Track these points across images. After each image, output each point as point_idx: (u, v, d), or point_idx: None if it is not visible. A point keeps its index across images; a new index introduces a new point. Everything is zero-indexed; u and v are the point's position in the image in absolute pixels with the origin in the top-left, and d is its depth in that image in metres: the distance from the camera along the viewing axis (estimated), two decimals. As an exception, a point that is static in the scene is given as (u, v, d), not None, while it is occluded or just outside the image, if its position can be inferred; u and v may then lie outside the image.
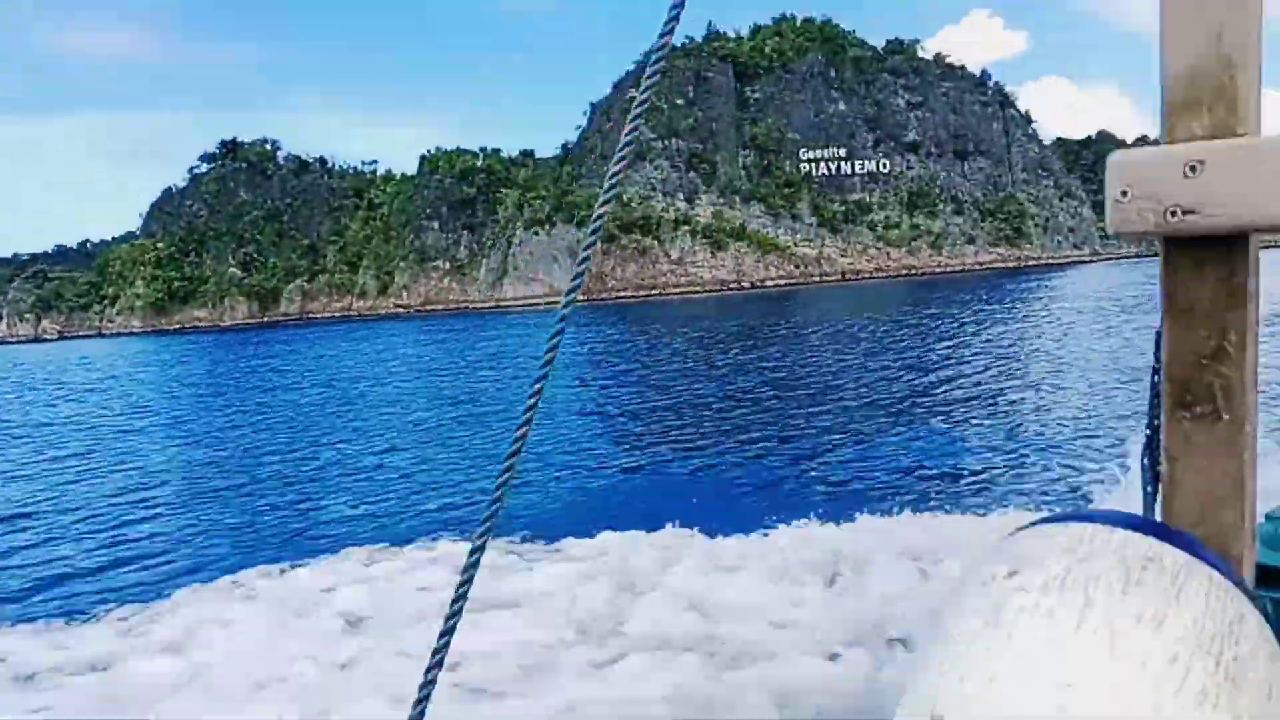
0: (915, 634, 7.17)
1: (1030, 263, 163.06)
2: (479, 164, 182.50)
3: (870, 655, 7.28)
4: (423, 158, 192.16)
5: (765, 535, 11.17)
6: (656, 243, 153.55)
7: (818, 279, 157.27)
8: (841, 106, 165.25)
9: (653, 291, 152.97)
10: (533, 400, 1.51)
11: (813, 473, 16.08)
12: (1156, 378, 1.29)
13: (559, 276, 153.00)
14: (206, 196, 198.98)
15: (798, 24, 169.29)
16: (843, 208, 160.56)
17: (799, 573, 9.34)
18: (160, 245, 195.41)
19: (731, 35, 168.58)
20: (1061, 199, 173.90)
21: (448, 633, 1.44)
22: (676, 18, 1.52)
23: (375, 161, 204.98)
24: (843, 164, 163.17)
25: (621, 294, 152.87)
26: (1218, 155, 1.13)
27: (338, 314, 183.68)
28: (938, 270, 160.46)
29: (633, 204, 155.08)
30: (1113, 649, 0.82)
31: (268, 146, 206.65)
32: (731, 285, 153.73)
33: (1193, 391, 1.22)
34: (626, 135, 1.57)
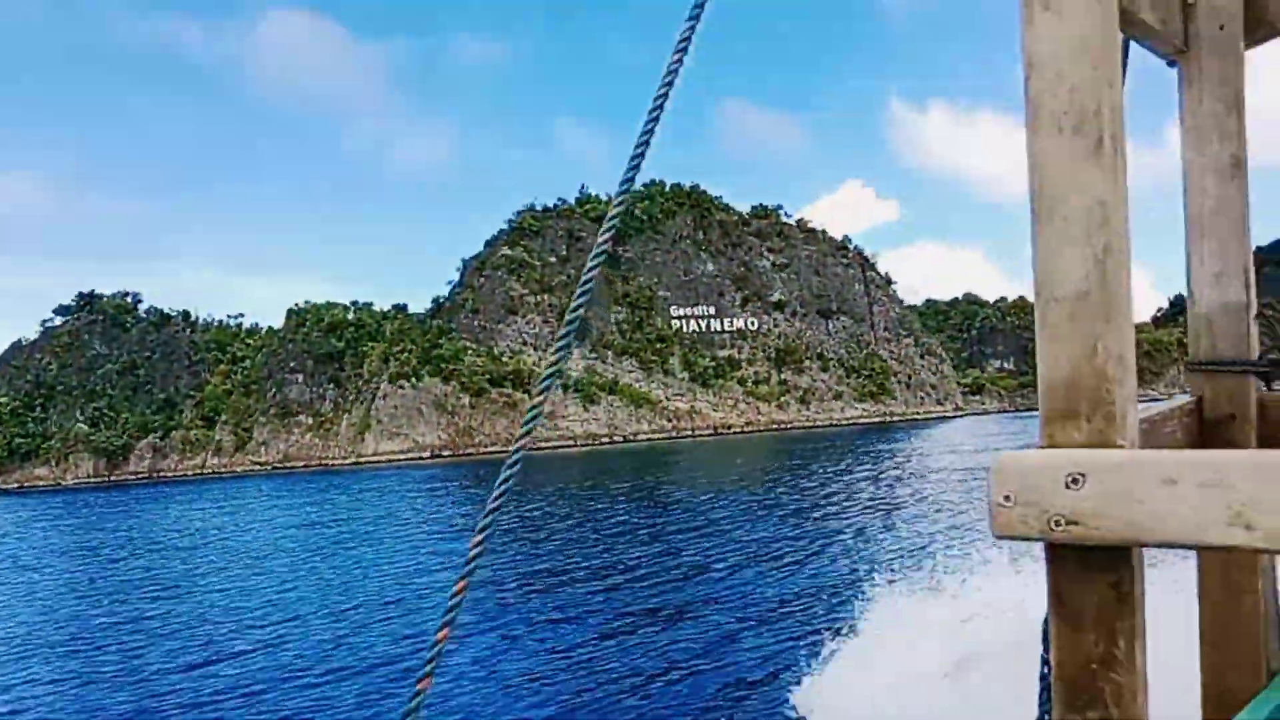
0: None
1: (895, 418, 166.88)
2: (349, 317, 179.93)
3: None
4: (290, 311, 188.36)
5: None
6: (527, 396, 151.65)
7: (690, 433, 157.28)
8: (710, 266, 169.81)
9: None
10: (476, 550, 1.47)
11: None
12: (1045, 671, 1.25)
13: (424, 430, 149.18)
14: (58, 349, 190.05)
15: (667, 189, 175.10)
16: (713, 363, 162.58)
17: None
18: (2, 400, 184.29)
19: (603, 198, 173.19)
20: (923, 356, 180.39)
21: None
22: (638, 167, 1.54)
23: (241, 315, 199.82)
24: (712, 320, 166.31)
25: (490, 449, 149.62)
26: (1099, 468, 1.13)
27: (190, 472, 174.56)
28: (807, 424, 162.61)
29: (504, 358, 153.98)
30: None
31: (128, 299, 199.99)
32: (603, 439, 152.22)
33: (1084, 695, 1.19)
34: (584, 283, 1.58)
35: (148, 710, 13.52)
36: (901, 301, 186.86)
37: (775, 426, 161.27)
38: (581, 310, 1.66)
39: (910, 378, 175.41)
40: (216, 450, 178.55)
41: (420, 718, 1.43)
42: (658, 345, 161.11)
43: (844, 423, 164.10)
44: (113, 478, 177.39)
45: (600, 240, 1.64)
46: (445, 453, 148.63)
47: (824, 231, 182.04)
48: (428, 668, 1.42)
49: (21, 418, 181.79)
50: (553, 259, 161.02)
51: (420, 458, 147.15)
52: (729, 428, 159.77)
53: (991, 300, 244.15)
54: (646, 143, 1.63)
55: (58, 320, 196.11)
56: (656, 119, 1.61)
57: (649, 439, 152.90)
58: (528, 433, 1.61)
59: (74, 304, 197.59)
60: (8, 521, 71.13)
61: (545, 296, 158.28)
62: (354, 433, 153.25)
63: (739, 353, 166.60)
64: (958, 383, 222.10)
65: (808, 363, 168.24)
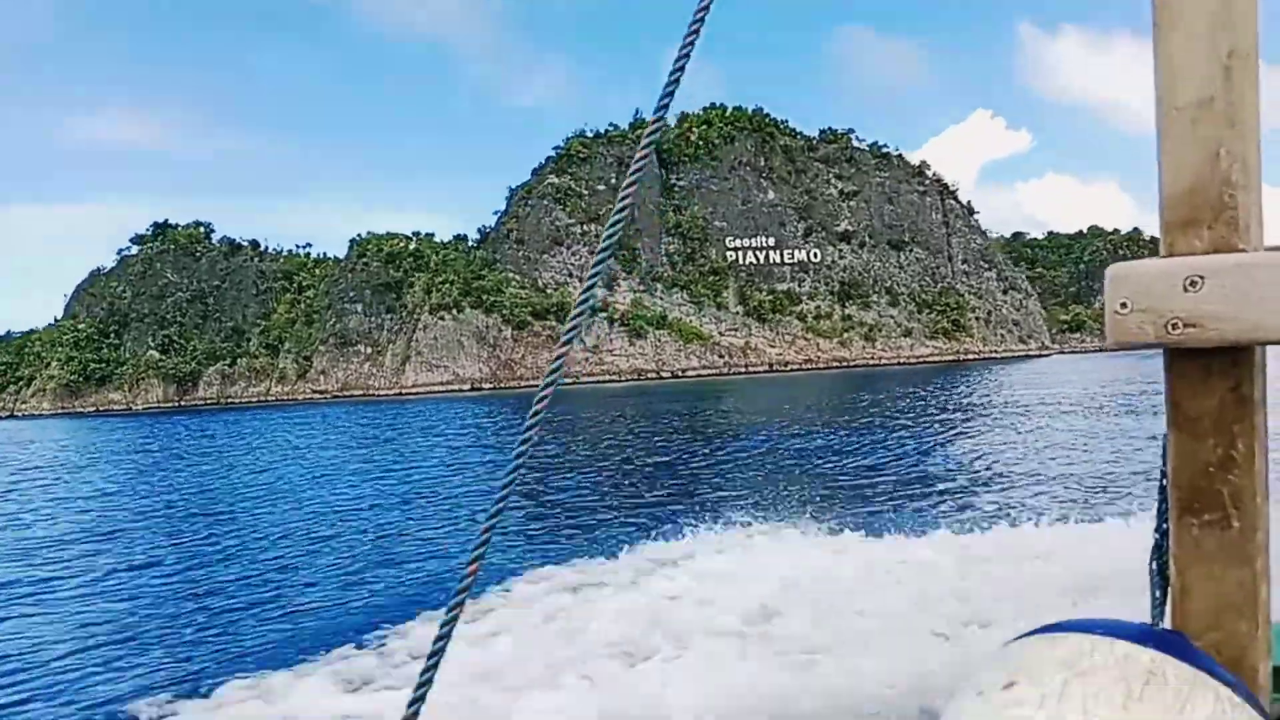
0: None
1: (970, 357, 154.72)
2: (409, 247, 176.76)
3: None
4: (352, 241, 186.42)
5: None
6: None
7: (743, 369, 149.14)
8: (771, 195, 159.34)
9: (567, 380, 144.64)
10: (511, 476, 1.45)
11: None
12: (1164, 483, 1.26)
13: (465, 363, 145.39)
14: (132, 278, 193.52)
15: (727, 112, 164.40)
16: (770, 297, 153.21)
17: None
18: (81, 327, 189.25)
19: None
20: (1006, 292, 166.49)
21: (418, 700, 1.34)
22: (672, 93, 1.48)
23: (309, 245, 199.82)
24: (771, 253, 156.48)
25: (532, 383, 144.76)
26: (1218, 270, 1.12)
27: (255, 399, 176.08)
28: (871, 363, 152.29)
29: (548, 290, 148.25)
30: None
31: (200, 229, 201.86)
32: (650, 375, 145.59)
33: (1201, 500, 1.20)
34: (618, 208, 1.49)
35: (214, 611, 13.98)
36: (985, 233, 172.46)
37: (837, 364, 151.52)
38: (616, 237, 1.59)
39: (990, 314, 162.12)
40: (280, 378, 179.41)
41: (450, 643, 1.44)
42: (711, 278, 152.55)
43: (913, 361, 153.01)
44: (182, 403, 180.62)
45: (635, 162, 1.53)
46: (486, 385, 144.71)
47: (900, 156, 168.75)
48: (458, 598, 1.43)
49: (97, 344, 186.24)
50: (601, 187, 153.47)
51: (461, 390, 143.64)
52: (786, 365, 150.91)
53: (1123, 232, 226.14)
54: (686, 55, 1.55)
55: (134, 249, 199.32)
56: (697, 30, 1.53)
57: (699, 375, 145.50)
58: (558, 368, 1.56)
59: (149, 233, 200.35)
60: (85, 442, 70.89)
61: (592, 226, 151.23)
62: (397, 363, 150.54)
63: (799, 286, 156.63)
64: (1058, 320, 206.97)
65: (875, 297, 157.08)
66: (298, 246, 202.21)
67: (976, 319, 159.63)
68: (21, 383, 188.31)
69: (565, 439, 39.90)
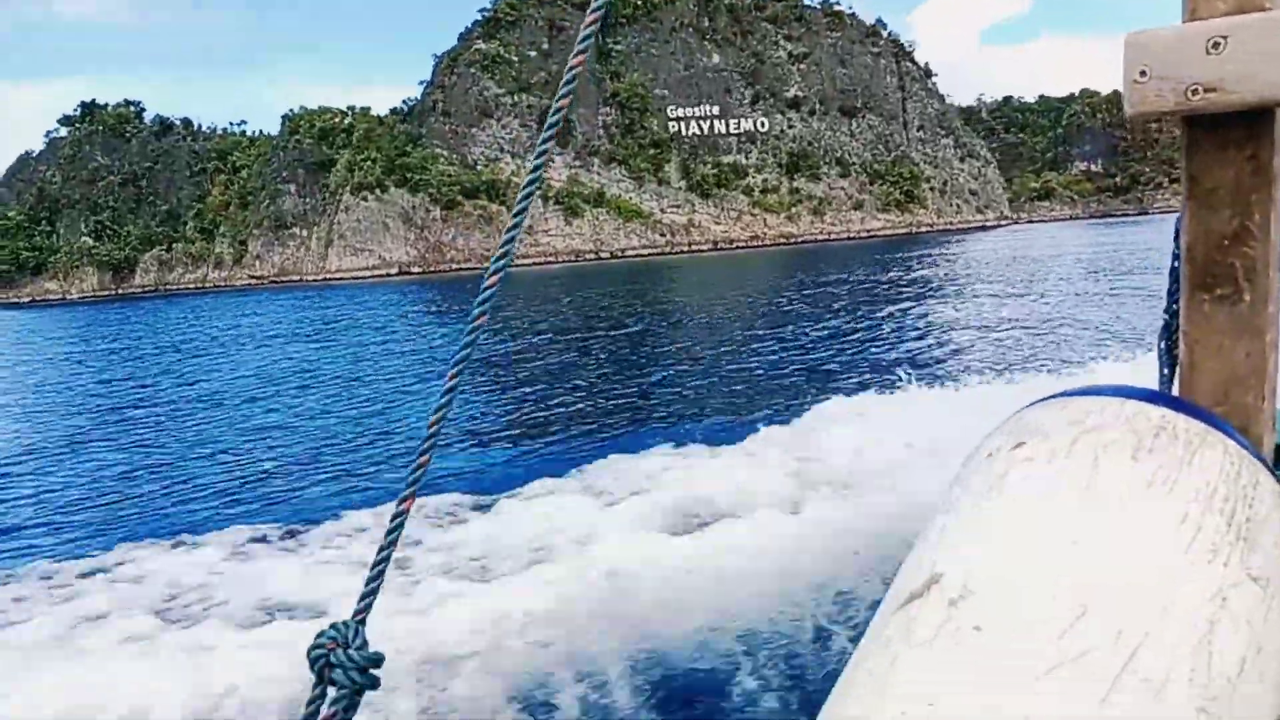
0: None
1: (923, 229, 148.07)
2: (344, 123, 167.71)
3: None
4: (284, 117, 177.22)
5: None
6: (504, 209, 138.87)
7: (686, 248, 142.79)
8: (715, 59, 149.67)
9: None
10: (457, 368, 1.39)
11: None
12: (1176, 262, 1.26)
13: (391, 246, 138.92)
14: (61, 162, 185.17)
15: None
16: (715, 171, 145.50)
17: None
18: (11, 214, 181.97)
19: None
20: (963, 160, 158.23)
21: (370, 594, 1.31)
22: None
23: (244, 122, 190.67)
24: (716, 122, 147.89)
25: (463, 266, 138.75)
26: (1241, 30, 1.09)
27: (192, 285, 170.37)
28: (820, 238, 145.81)
29: (478, 166, 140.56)
30: (1121, 510, 0.81)
31: (130, 108, 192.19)
32: (588, 255, 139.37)
33: (1214, 273, 1.20)
34: (567, 78, 1.38)
35: (155, 495, 13.64)
36: (943, 97, 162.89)
37: (784, 240, 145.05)
38: (565, 109, 1.44)
39: (946, 184, 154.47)
40: (217, 264, 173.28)
41: (402, 535, 1.40)
42: (651, 151, 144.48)
43: (863, 235, 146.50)
44: (119, 290, 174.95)
45: (586, 23, 1.40)
46: (415, 269, 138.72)
47: (852, 15, 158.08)
48: (408, 490, 1.38)
49: (29, 231, 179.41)
50: (532, 53, 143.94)
51: (388, 274, 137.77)
52: (731, 242, 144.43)
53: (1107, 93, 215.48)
54: None
55: (62, 131, 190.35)
56: None
57: (639, 255, 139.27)
58: (507, 252, 1.48)
59: (77, 114, 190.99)
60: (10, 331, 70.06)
61: (523, 97, 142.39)
62: (321, 248, 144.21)
63: (746, 158, 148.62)
64: (1028, 187, 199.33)
65: (825, 168, 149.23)
66: (232, 124, 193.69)
67: (931, 189, 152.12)
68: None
69: (498, 328, 37.54)
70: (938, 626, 0.79)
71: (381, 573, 1.32)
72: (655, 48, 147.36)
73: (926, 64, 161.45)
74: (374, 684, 1.14)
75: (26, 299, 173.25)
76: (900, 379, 15.38)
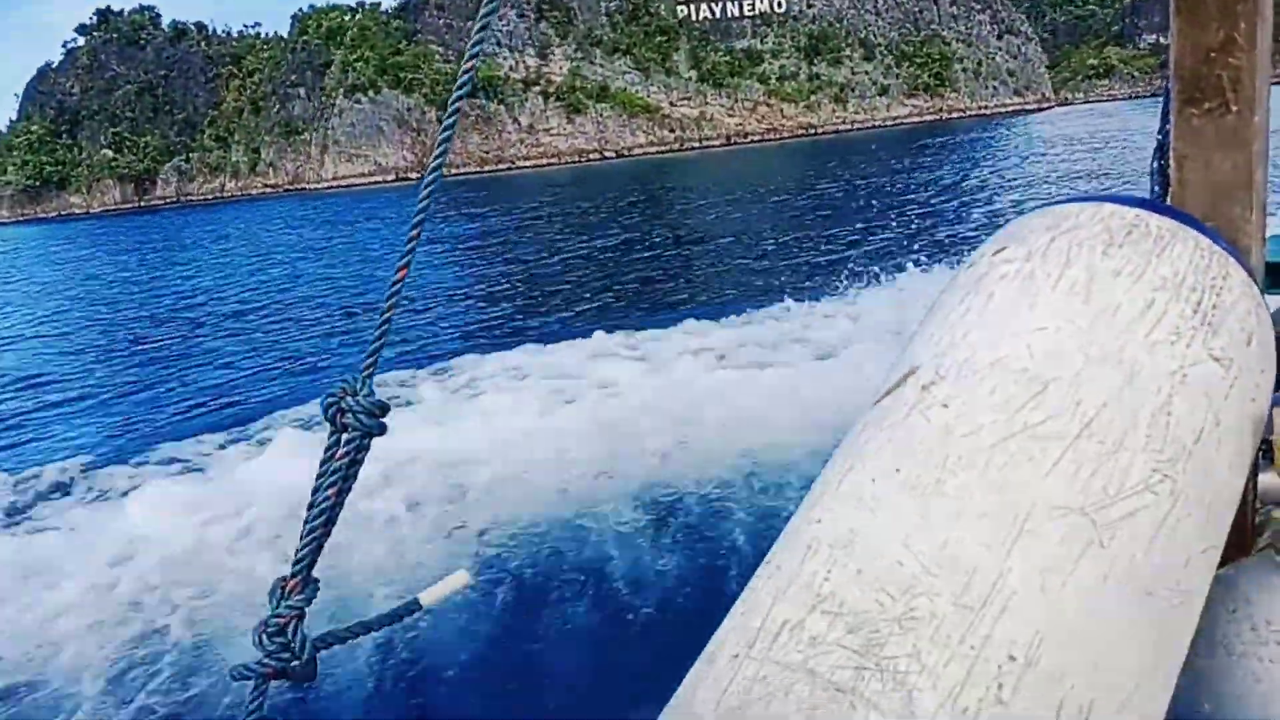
0: None
1: (954, 115, 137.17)
2: (354, 19, 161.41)
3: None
4: (293, 17, 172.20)
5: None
6: (503, 108, 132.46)
7: (697, 144, 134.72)
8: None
9: (499, 166, 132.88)
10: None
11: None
12: (1168, 84, 1.26)
13: (386, 151, 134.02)
14: (79, 72, 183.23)
15: None
16: (728, 59, 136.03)
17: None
18: (34, 129, 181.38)
19: None
20: (1000, 37, 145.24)
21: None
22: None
23: (258, 24, 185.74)
24: (729, 5, 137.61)
25: (464, 170, 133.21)
26: None
27: (210, 195, 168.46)
28: (842, 128, 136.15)
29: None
30: (1087, 298, 0.84)
31: (145, 14, 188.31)
32: (592, 155, 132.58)
33: (1202, 86, 1.19)
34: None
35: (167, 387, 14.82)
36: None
37: (803, 132, 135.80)
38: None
39: (981, 64, 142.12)
40: (234, 173, 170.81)
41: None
42: (659, 39, 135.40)
43: (888, 124, 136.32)
44: (141, 203, 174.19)
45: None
46: (412, 175, 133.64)
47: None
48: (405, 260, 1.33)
49: (51, 146, 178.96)
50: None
51: (384, 181, 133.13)
52: (746, 136, 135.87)
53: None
54: None
55: (80, 41, 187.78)
56: None
57: (645, 153, 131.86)
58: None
59: (92, 22, 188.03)
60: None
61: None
62: (320, 154, 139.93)
63: (761, 43, 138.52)
64: (1086, 64, 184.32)
65: (847, 51, 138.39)
66: (246, 27, 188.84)
67: (964, 71, 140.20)
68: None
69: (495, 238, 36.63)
70: (909, 408, 0.83)
71: (384, 334, 1.32)
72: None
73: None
74: (382, 429, 1.20)
75: (53, 214, 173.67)
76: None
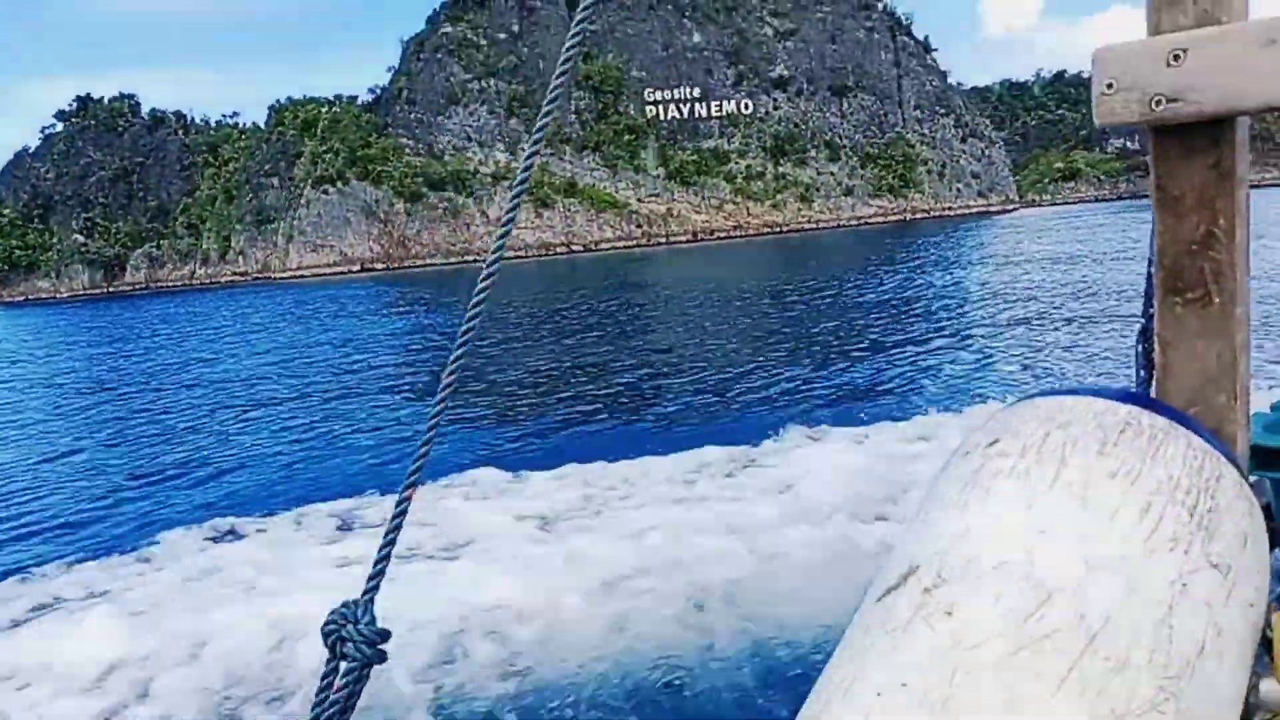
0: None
1: (919, 216, 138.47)
2: (329, 112, 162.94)
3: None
4: (270, 108, 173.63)
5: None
6: (471, 201, 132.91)
7: (664, 240, 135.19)
8: (696, 38, 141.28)
9: (465, 258, 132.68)
10: (455, 364, 1.39)
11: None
12: (1151, 267, 1.30)
13: (352, 242, 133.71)
14: (56, 158, 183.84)
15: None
16: (695, 157, 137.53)
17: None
18: (5, 212, 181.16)
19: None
20: (964, 140, 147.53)
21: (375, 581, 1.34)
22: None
23: (236, 114, 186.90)
24: (696, 105, 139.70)
25: (430, 262, 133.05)
26: (1200, 42, 1.13)
27: (180, 283, 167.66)
28: (808, 227, 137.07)
29: (445, 156, 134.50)
30: (1084, 501, 0.84)
31: (125, 102, 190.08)
32: (559, 249, 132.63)
33: (1184, 277, 1.23)
34: (560, 70, 1.37)
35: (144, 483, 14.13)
36: (944, 74, 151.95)
37: (769, 230, 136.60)
38: (561, 92, 1.43)
39: (945, 166, 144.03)
40: (204, 260, 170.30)
41: (405, 520, 1.42)
42: (627, 137, 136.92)
43: (853, 223, 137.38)
44: (110, 289, 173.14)
45: (577, 20, 1.40)
46: (378, 266, 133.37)
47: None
48: (410, 479, 1.39)
49: (22, 229, 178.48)
50: (502, 36, 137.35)
51: (349, 271, 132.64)
52: (712, 232, 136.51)
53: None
54: None
55: (58, 126, 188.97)
56: None
57: (614, 248, 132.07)
58: (501, 245, 1.47)
59: (72, 108, 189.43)
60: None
61: (492, 82, 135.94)
62: (284, 243, 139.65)
63: (728, 143, 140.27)
64: (1053, 167, 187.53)
65: (813, 152, 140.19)
66: (225, 117, 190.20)
67: (929, 172, 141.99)
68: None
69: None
70: (912, 613, 0.81)
71: (388, 555, 1.33)
72: (631, 26, 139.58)
73: (926, 38, 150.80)
74: (382, 658, 1.21)
75: (20, 298, 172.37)
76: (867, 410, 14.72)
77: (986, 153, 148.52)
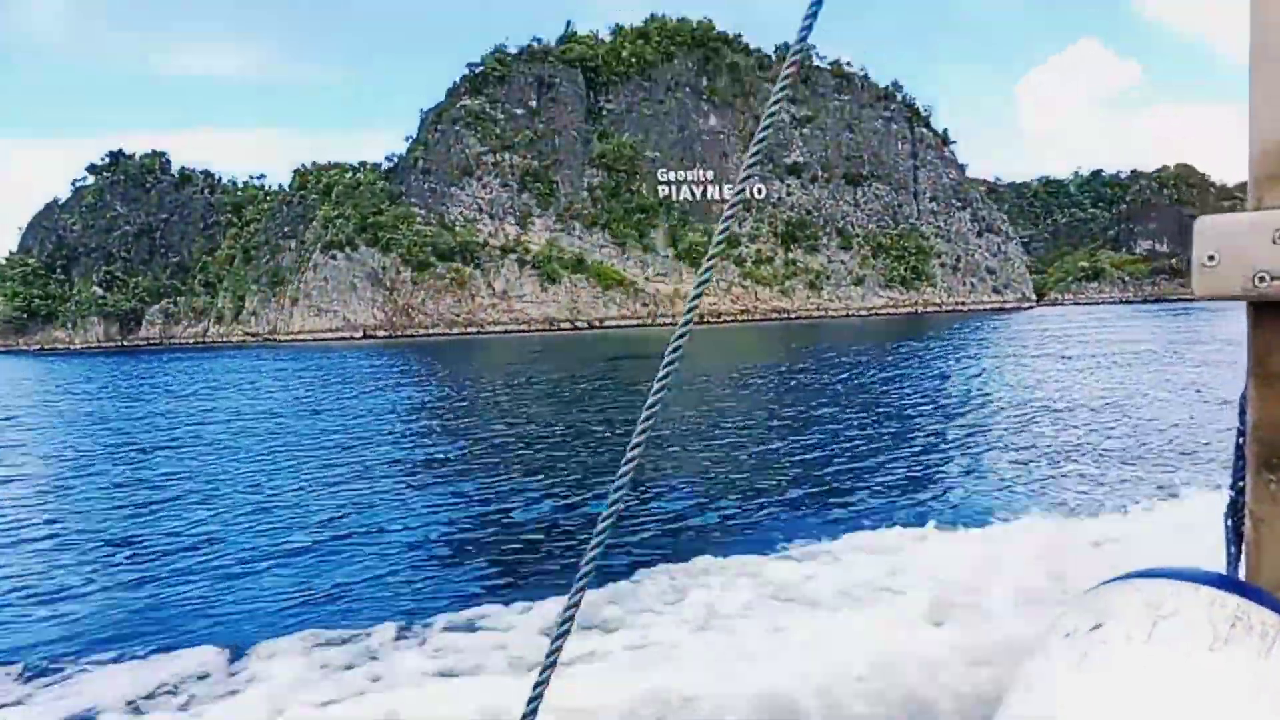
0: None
1: (930, 309, 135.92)
2: (352, 177, 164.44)
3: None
4: (295, 171, 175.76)
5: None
6: (479, 272, 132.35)
7: (670, 320, 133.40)
8: (713, 121, 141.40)
9: (469, 329, 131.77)
10: (641, 436, 1.38)
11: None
12: (1241, 440, 1.26)
13: (357, 308, 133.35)
14: (83, 210, 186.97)
15: (670, 25, 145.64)
16: (705, 238, 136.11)
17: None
18: (30, 261, 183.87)
19: (587, 35, 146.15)
20: (980, 234, 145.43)
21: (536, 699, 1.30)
22: (815, 14, 1.38)
23: (263, 176, 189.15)
24: (710, 188, 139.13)
25: (432, 331, 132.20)
26: None
27: (193, 340, 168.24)
28: (816, 314, 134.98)
29: (455, 226, 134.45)
30: (1199, 702, 0.81)
31: (156, 158, 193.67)
32: (564, 324, 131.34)
33: (1279, 454, 1.19)
34: (753, 152, 1.38)
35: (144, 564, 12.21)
36: (963, 167, 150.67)
37: (776, 316, 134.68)
38: (755, 169, 1.42)
39: (959, 260, 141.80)
40: (218, 318, 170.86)
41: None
42: (638, 216, 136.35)
43: (863, 313, 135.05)
44: (124, 343, 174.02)
45: (780, 80, 1.39)
46: (380, 333, 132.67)
47: (864, 77, 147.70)
48: (581, 582, 1.38)
49: (44, 279, 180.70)
50: (519, 111, 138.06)
51: (350, 337, 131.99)
52: (719, 316, 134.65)
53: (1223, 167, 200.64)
54: None
55: (89, 179, 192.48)
56: None
57: (619, 325, 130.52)
58: (694, 306, 1.44)
59: (104, 162, 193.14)
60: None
61: (506, 155, 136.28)
62: (289, 305, 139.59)
63: (739, 226, 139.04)
64: (1077, 265, 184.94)
65: (824, 239, 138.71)
66: (252, 177, 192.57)
67: (942, 265, 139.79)
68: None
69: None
70: None
71: (552, 667, 1.29)
72: (648, 108, 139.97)
73: (945, 131, 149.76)
74: None
75: (35, 347, 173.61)
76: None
77: (1003, 248, 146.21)
